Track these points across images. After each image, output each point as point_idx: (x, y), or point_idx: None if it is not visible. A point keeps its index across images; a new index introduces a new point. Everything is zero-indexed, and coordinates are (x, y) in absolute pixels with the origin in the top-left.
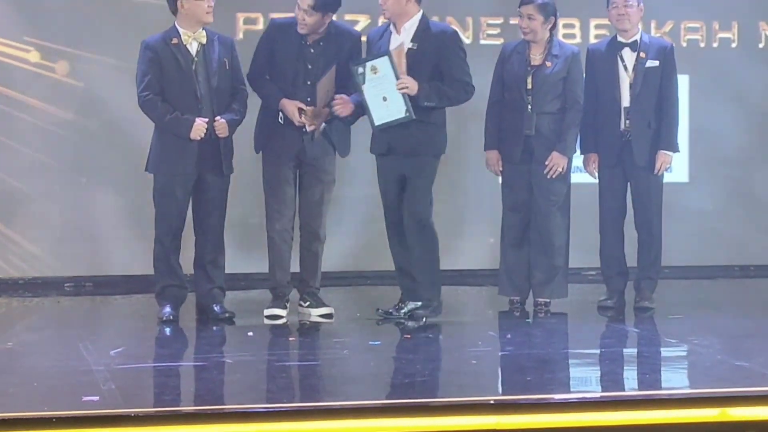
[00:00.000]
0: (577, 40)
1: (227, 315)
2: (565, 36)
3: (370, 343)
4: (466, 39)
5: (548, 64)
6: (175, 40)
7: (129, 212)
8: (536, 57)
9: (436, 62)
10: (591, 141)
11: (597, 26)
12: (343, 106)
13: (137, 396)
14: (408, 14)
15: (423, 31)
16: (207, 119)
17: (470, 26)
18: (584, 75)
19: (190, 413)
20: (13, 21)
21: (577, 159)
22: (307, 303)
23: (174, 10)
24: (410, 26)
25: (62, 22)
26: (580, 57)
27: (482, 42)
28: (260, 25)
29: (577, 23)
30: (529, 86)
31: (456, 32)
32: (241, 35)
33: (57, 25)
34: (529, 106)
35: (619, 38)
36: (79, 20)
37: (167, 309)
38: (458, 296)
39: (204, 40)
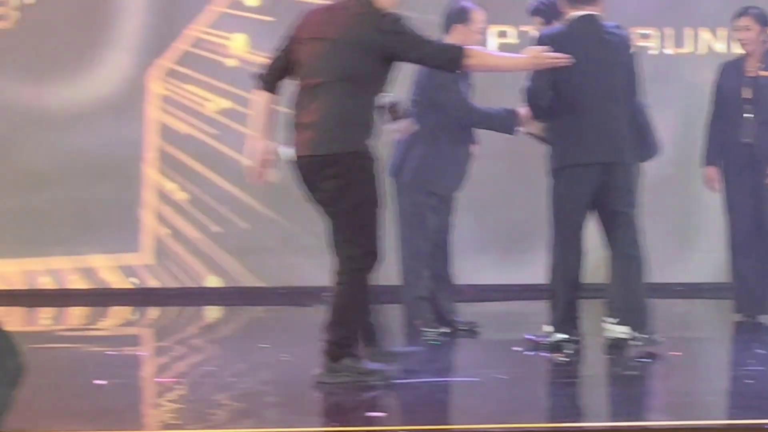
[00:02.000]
0: None
1: (474, 326)
2: None
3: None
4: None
5: (765, 74)
6: None
7: None
8: (752, 68)
9: None
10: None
11: None
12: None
13: (418, 414)
14: None
15: None
16: None
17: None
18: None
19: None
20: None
21: None
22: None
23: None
24: None
25: None
26: None
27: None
28: (512, 38)
29: None
30: (748, 96)
31: None
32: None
33: None
34: (748, 115)
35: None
36: None
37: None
38: (691, 310)
39: None
